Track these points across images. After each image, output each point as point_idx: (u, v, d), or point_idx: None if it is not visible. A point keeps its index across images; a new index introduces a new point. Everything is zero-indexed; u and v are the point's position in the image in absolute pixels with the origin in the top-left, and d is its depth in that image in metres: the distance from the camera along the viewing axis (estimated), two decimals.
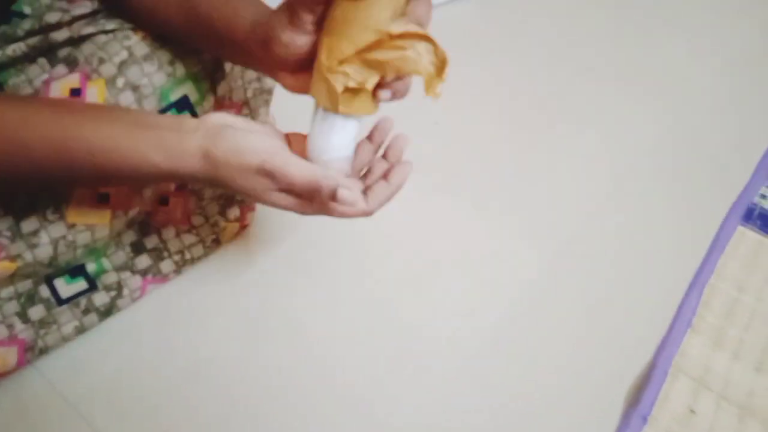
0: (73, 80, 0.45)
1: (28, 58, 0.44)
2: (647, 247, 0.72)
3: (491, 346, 0.61)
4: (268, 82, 0.57)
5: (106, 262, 0.53)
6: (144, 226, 0.54)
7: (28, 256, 0.47)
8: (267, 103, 0.58)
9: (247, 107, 0.56)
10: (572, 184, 0.77)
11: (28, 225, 0.47)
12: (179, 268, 0.57)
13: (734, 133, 0.88)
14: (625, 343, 0.63)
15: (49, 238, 0.47)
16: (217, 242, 0.59)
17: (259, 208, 0.65)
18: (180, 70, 0.48)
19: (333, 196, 0.38)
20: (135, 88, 0.47)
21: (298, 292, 0.61)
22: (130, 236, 0.54)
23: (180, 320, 0.58)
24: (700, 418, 0.59)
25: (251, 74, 0.56)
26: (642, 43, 0.99)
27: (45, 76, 0.44)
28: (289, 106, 0.63)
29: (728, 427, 0.59)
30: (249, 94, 0.56)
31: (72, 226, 0.48)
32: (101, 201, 0.49)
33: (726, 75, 0.96)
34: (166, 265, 0.56)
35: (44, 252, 0.47)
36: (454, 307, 0.63)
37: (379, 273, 0.64)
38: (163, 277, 0.57)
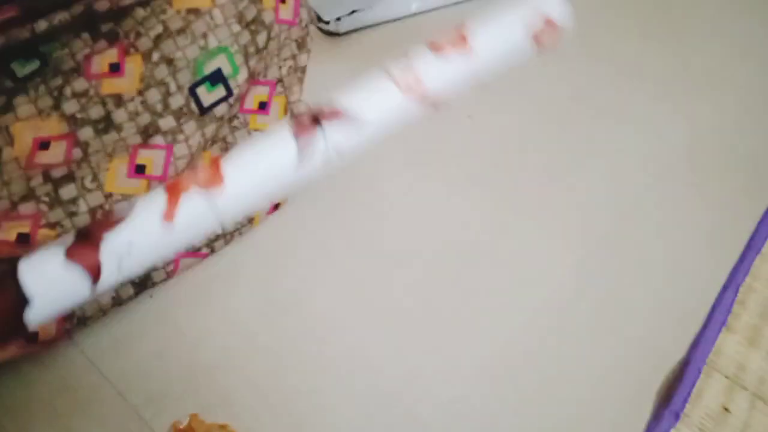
0: (112, 55, 0.45)
1: (73, 30, 0.44)
2: (682, 246, 0.69)
3: (521, 341, 0.59)
4: (302, 59, 0.56)
5: None
6: None
7: (67, 224, 0.47)
8: (300, 81, 0.57)
9: (281, 85, 0.56)
10: (606, 181, 0.75)
11: (67, 192, 0.47)
12: (211, 243, 0.57)
13: None
14: (658, 340, 0.61)
15: (87, 206, 0.48)
16: (248, 218, 0.59)
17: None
18: (213, 42, 0.48)
19: None
20: (169, 62, 0.47)
21: (328, 279, 0.61)
22: None
23: (214, 300, 0.58)
24: (734, 417, 0.57)
25: (286, 52, 0.55)
26: (680, 41, 0.95)
27: (87, 51, 0.44)
28: (318, 85, 0.63)
29: (763, 426, 0.56)
30: (283, 72, 0.55)
31: (109, 196, 0.49)
32: (138, 172, 0.49)
33: (764, 75, 0.91)
34: None
35: (82, 220, 0.48)
36: (484, 301, 0.62)
37: (409, 265, 0.63)
38: (195, 251, 0.57)
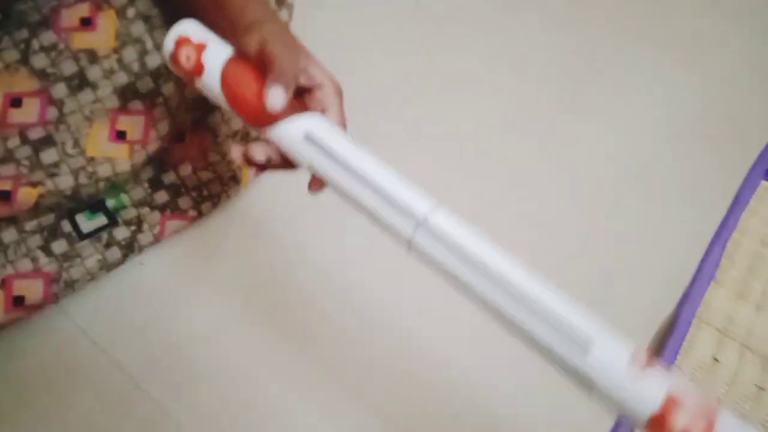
0: (83, 9, 0.41)
1: None
2: (671, 202, 0.65)
3: None
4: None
5: (125, 198, 0.50)
6: (161, 163, 0.50)
7: (50, 184, 0.44)
8: (287, 17, 0.52)
9: None
10: (599, 145, 0.71)
11: (48, 156, 0.43)
12: (198, 205, 0.54)
13: (759, 90, 0.79)
14: (649, 295, 0.58)
15: (69, 168, 0.44)
16: (235, 180, 0.55)
17: None
18: None
19: None
20: (146, 19, 0.43)
21: (318, 240, 0.57)
22: (147, 172, 0.50)
23: (203, 267, 0.54)
24: (723, 367, 0.54)
25: None
26: (676, 7, 0.90)
27: (54, 3, 0.40)
28: (308, 24, 0.58)
29: (751, 374, 0.53)
30: None
31: (91, 160, 0.45)
32: (119, 138, 0.45)
33: (756, 41, 0.87)
34: (184, 201, 0.53)
35: (65, 182, 0.44)
36: None
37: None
38: (182, 213, 0.53)
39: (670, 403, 0.26)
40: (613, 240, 0.62)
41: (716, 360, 0.54)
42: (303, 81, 0.35)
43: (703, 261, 0.61)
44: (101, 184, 0.46)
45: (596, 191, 0.66)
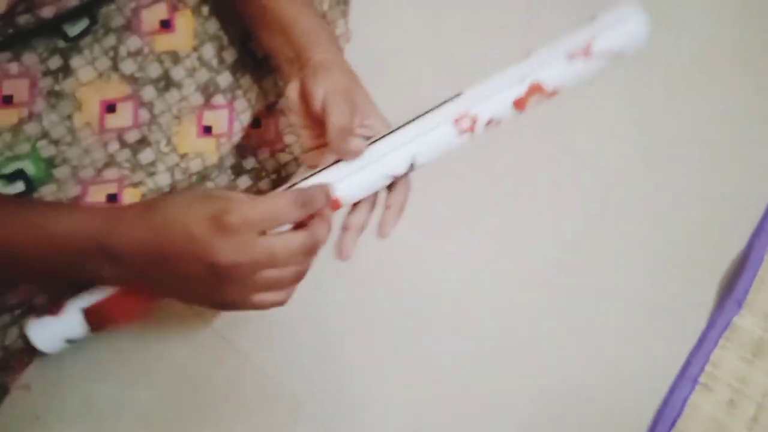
0: (161, 10, 0.43)
1: None
2: (741, 138, 0.65)
3: (590, 235, 0.58)
4: None
5: (211, 186, 0.53)
6: (242, 149, 0.53)
7: (150, 183, 0.47)
8: (344, 14, 0.54)
9: (324, 21, 0.52)
10: (631, 83, 0.69)
11: (145, 157, 0.47)
12: (277, 187, 0.57)
13: None
14: (720, 231, 0.59)
15: (165, 166, 0.48)
16: None
17: None
18: None
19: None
20: (221, 14, 0.45)
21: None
22: (230, 159, 0.53)
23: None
24: None
25: None
26: None
27: (133, 4, 0.42)
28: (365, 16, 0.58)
29: None
30: (325, 6, 0.52)
31: (184, 156, 0.48)
32: (206, 132, 0.49)
33: None
34: (264, 184, 0.56)
35: (164, 179, 0.48)
36: (549, 199, 0.60)
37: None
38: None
39: None
40: (683, 176, 0.63)
41: None
42: (365, 133, 0.40)
43: None
44: (194, 178, 0.49)
45: (664, 130, 0.66)
